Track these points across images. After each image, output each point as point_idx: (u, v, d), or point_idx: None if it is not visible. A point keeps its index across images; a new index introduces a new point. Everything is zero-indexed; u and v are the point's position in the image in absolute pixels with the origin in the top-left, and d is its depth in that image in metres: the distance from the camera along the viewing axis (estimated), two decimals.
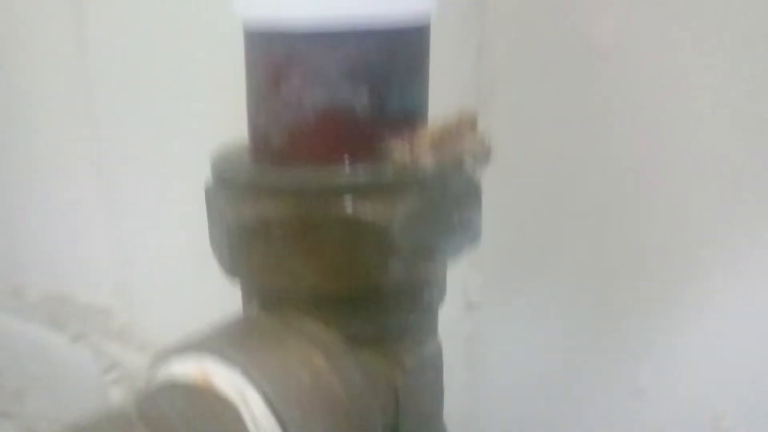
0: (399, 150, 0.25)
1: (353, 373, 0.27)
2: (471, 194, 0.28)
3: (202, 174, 0.28)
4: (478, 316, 0.43)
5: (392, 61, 0.25)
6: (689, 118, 0.36)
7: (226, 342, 0.26)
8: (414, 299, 0.28)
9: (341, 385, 0.26)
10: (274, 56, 0.25)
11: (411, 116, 0.26)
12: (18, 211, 0.67)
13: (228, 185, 0.26)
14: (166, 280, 0.57)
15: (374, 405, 0.27)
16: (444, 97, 0.29)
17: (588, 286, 0.40)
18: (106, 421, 0.23)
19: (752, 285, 0.36)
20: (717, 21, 0.34)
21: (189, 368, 0.25)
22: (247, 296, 0.28)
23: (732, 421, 0.37)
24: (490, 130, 0.28)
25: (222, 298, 0.29)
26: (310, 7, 0.24)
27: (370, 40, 0.25)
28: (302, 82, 0.25)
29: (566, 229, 0.40)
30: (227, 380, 0.25)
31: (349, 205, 0.25)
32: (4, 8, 0.60)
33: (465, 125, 0.27)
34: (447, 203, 0.26)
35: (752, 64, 0.34)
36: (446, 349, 0.43)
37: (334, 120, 0.25)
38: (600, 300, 0.40)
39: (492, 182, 0.41)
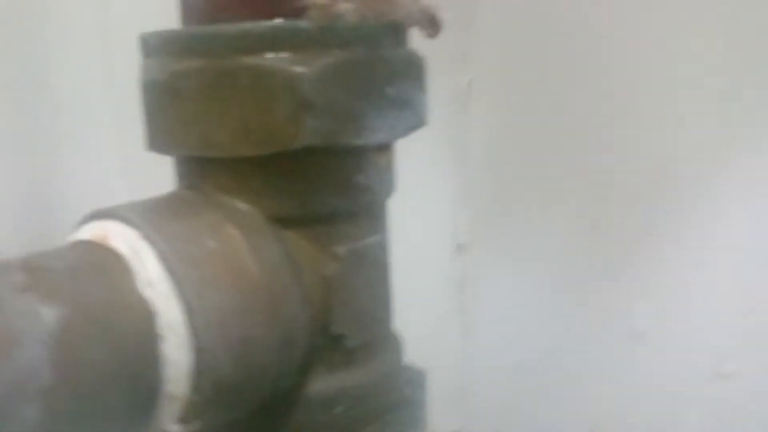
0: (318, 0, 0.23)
1: (270, 249, 0.25)
2: (409, 67, 0.26)
3: None
4: (467, 259, 0.41)
5: None
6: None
7: (139, 211, 0.24)
8: (341, 179, 0.26)
9: (253, 258, 0.24)
10: None
11: None
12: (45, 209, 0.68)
13: (145, 50, 0.25)
14: None
15: (294, 289, 0.25)
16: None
17: (580, 224, 0.37)
18: None
19: (751, 221, 0.33)
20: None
21: (92, 229, 0.24)
22: (177, 176, 0.27)
23: (734, 364, 0.33)
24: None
25: None
26: None
27: None
28: None
29: (556, 165, 0.38)
30: (123, 238, 0.23)
31: (259, 56, 0.23)
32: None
33: None
34: (375, 68, 0.24)
35: (731, 54, 0.32)
36: (438, 295, 0.40)
37: None
38: (593, 238, 0.37)
39: (479, 119, 0.39)
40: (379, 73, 0.25)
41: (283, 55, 0.23)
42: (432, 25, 0.26)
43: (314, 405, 0.26)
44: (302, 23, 0.24)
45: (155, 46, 0.25)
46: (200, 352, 0.22)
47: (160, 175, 0.27)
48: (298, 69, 0.23)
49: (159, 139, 0.25)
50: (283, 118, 0.23)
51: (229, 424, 0.25)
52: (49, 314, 0.20)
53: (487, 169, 0.39)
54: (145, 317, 0.22)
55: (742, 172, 0.33)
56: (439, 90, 0.39)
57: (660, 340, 0.35)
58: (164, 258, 0.23)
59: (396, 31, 0.25)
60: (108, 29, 0.54)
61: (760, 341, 0.33)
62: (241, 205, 0.25)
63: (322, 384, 0.27)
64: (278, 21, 0.24)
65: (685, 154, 0.34)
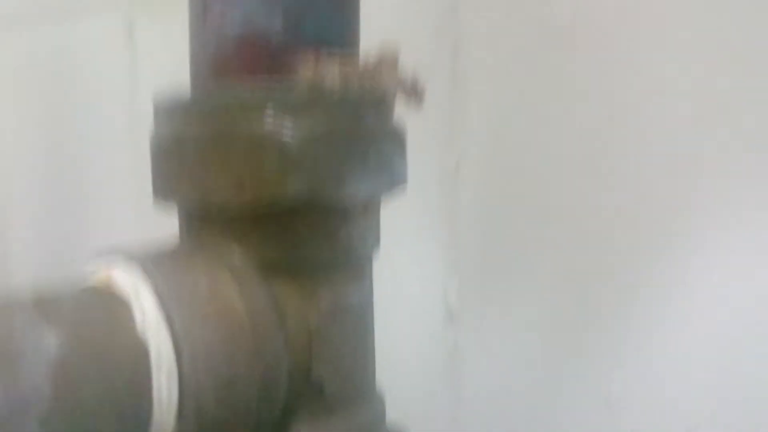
0: (305, 68, 0.27)
1: (257, 294, 0.27)
2: (390, 133, 0.29)
3: None
4: (458, 327, 0.43)
5: None
6: (654, 115, 0.36)
7: (140, 254, 0.27)
8: (326, 233, 0.28)
9: (241, 300, 0.26)
10: None
11: (329, 44, 0.28)
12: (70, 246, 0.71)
13: (155, 113, 0.28)
14: None
15: (278, 333, 0.27)
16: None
17: (561, 293, 0.39)
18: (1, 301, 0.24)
19: (726, 295, 0.35)
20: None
21: (98, 268, 0.26)
22: (180, 225, 0.30)
23: None
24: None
25: None
26: None
27: None
28: (223, 11, 0.27)
29: (538, 238, 0.40)
30: (125, 276, 0.26)
31: (252, 118, 0.26)
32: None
33: (385, 62, 0.28)
34: (358, 132, 0.27)
35: (715, 40, 0.34)
36: (429, 362, 0.42)
37: (251, 43, 0.27)
38: (573, 308, 0.39)
39: (467, 194, 0.42)
40: (362, 138, 0.28)
41: (274, 118, 0.26)
42: (414, 94, 0.28)
43: None
44: (292, 88, 0.27)
45: (164, 108, 0.28)
46: (186, 383, 0.25)
47: (172, 223, 0.30)
48: (287, 132, 0.26)
49: (164, 191, 0.28)
50: (273, 174, 0.26)
51: None
52: (52, 341, 0.23)
53: (475, 241, 0.42)
54: (138, 350, 0.24)
55: (717, 248, 0.35)
56: (429, 166, 0.42)
57: (634, 407, 0.37)
58: (159, 297, 0.25)
59: (378, 101, 0.28)
60: (134, 90, 0.59)
61: (733, 410, 0.34)
62: (234, 253, 0.28)
63: (304, 430, 0.29)
64: (271, 87, 0.27)
65: (657, 233, 0.36)
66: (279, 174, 0.26)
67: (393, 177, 0.29)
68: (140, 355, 0.24)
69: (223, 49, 0.27)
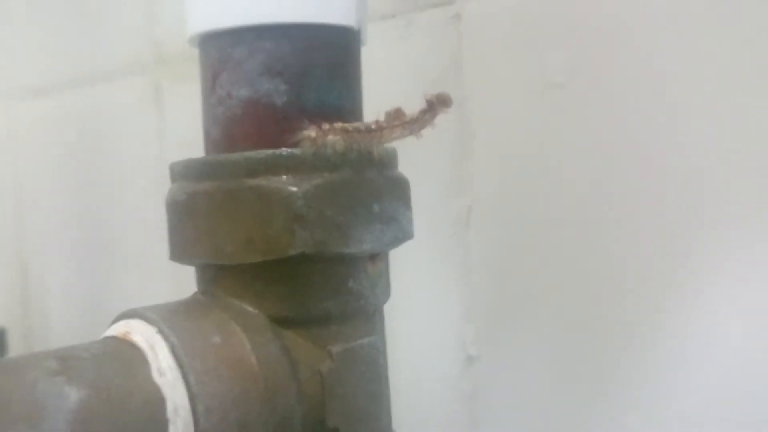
0: (310, 134, 0.28)
1: (269, 346, 0.28)
2: (394, 187, 0.30)
3: None
4: (476, 372, 0.43)
5: (307, 60, 0.29)
6: (655, 158, 0.37)
7: (157, 311, 0.28)
8: (334, 284, 0.29)
9: (253, 352, 0.28)
10: (211, 61, 0.30)
11: (332, 112, 0.29)
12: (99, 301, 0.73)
13: (171, 176, 0.30)
14: None
15: (290, 381, 0.28)
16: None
17: (576, 334, 0.40)
18: (28, 356, 0.26)
19: (748, 330, 0.35)
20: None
21: (118, 326, 0.28)
22: (196, 282, 0.31)
23: None
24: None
25: None
26: (232, 15, 0.28)
27: (285, 41, 0.29)
28: (230, 81, 0.29)
29: (552, 280, 0.41)
30: (142, 333, 0.27)
31: (260, 178, 0.28)
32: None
33: (389, 116, 0.29)
34: (360, 187, 0.29)
35: (700, 97, 0.35)
36: (448, 407, 0.43)
37: (257, 112, 0.29)
38: (587, 350, 0.39)
39: (479, 241, 0.43)
40: (365, 192, 0.29)
41: (280, 177, 0.28)
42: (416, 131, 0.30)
43: None
44: (297, 151, 0.28)
45: (178, 172, 0.30)
46: None
47: None
48: (292, 188, 0.27)
49: (179, 250, 0.30)
50: (280, 229, 0.27)
51: None
52: (72, 395, 0.24)
53: (490, 286, 0.42)
54: (155, 402, 0.26)
55: (734, 286, 0.35)
56: (440, 214, 0.43)
57: None
58: (174, 350, 0.26)
59: (381, 157, 0.29)
60: (161, 150, 0.61)
61: None
62: (246, 307, 0.29)
63: None
64: (277, 150, 0.28)
65: (670, 273, 0.37)
66: (286, 228, 0.27)
67: (398, 230, 0.30)
68: (157, 406, 0.26)
69: (230, 118, 0.29)
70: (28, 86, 0.75)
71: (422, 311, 0.44)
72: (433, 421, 0.44)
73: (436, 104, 0.31)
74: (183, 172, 0.30)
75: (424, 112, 0.30)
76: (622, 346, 0.38)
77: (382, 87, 0.35)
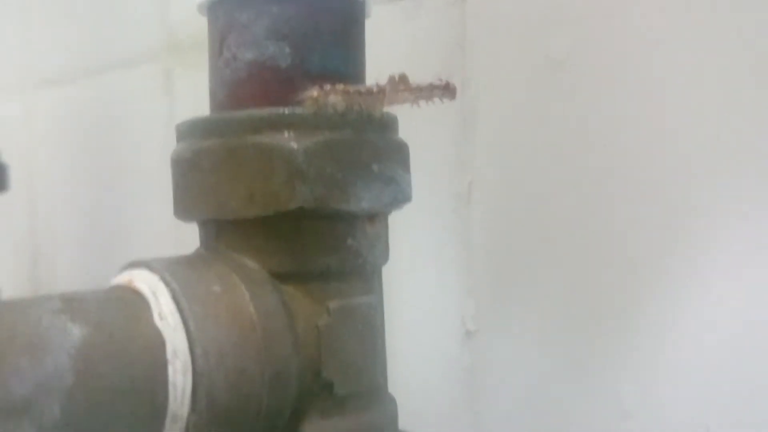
0: (312, 93, 0.29)
1: (268, 298, 0.29)
2: (393, 149, 0.31)
3: None
4: (475, 345, 0.44)
5: (312, 24, 0.30)
6: (656, 134, 0.37)
7: (161, 261, 0.29)
8: (333, 241, 0.30)
9: (252, 303, 0.28)
10: (219, 25, 0.31)
11: (335, 76, 0.30)
12: None
13: (177, 135, 0.31)
14: None
15: (287, 333, 0.29)
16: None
17: (573, 308, 0.40)
18: (32, 297, 0.27)
19: (738, 300, 0.35)
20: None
21: (123, 275, 0.29)
22: (200, 239, 0.32)
23: None
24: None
25: None
26: None
27: (290, 6, 0.30)
28: (237, 43, 0.30)
29: (551, 254, 0.41)
30: (145, 281, 0.28)
31: (263, 135, 0.28)
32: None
33: (392, 81, 0.30)
34: (360, 146, 0.29)
35: (700, 74, 0.36)
36: (447, 380, 0.44)
37: (262, 74, 0.30)
38: (585, 322, 0.40)
39: (479, 216, 0.44)
40: (365, 152, 0.30)
41: (282, 134, 0.28)
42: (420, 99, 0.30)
43: None
44: (299, 110, 0.29)
45: (184, 131, 0.31)
46: (199, 376, 0.26)
47: None
48: (293, 144, 0.28)
49: (183, 206, 0.31)
50: (281, 184, 0.28)
51: None
52: (75, 331, 0.25)
53: (490, 260, 0.43)
54: (155, 344, 0.26)
55: (728, 255, 0.36)
56: (442, 189, 0.44)
57: (648, 417, 0.37)
58: (175, 296, 0.27)
59: (381, 119, 0.30)
60: (172, 135, 0.62)
61: (746, 415, 0.35)
62: (247, 261, 0.30)
63: (315, 428, 0.30)
64: (279, 108, 0.29)
65: (668, 243, 0.37)
66: (286, 184, 0.28)
67: (397, 192, 0.31)
68: (157, 349, 0.26)
69: (236, 80, 0.30)
70: (42, 75, 0.77)
71: (422, 286, 0.45)
72: (432, 394, 0.44)
73: (443, 89, 0.31)
74: (189, 130, 0.31)
75: (432, 86, 0.31)
76: (617, 320, 0.39)
77: (387, 66, 0.36)
